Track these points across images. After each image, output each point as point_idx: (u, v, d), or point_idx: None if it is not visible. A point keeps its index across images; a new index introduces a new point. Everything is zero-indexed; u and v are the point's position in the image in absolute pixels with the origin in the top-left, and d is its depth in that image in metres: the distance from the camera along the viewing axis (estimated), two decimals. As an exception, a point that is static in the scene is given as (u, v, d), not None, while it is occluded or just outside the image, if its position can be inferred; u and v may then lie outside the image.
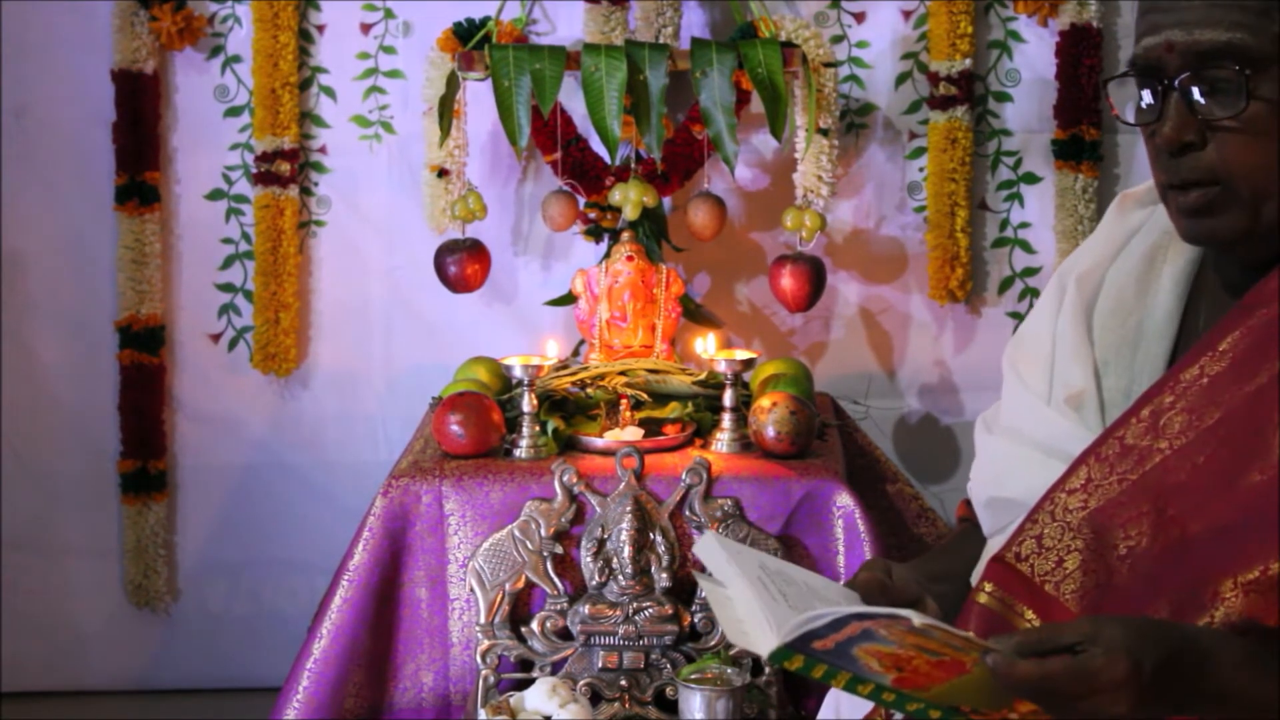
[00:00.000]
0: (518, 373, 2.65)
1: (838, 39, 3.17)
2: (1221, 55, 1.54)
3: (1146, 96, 1.61)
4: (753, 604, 1.45)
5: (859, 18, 3.19)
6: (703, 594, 2.51)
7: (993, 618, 1.61)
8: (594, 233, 3.07)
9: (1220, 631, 1.46)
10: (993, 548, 1.69)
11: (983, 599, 1.62)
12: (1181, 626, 1.45)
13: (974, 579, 1.70)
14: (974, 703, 1.42)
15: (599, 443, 2.66)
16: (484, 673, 2.55)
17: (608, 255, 2.96)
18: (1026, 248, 3.24)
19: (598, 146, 3.02)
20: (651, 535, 2.54)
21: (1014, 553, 1.62)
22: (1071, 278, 1.79)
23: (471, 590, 2.55)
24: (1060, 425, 1.71)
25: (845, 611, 1.37)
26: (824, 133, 2.95)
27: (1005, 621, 1.60)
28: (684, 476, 2.55)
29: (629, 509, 2.53)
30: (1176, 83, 1.57)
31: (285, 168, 3.16)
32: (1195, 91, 1.57)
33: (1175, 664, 1.39)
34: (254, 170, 3.18)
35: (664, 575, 2.53)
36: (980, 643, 1.39)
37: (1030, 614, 1.59)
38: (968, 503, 1.92)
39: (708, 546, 1.58)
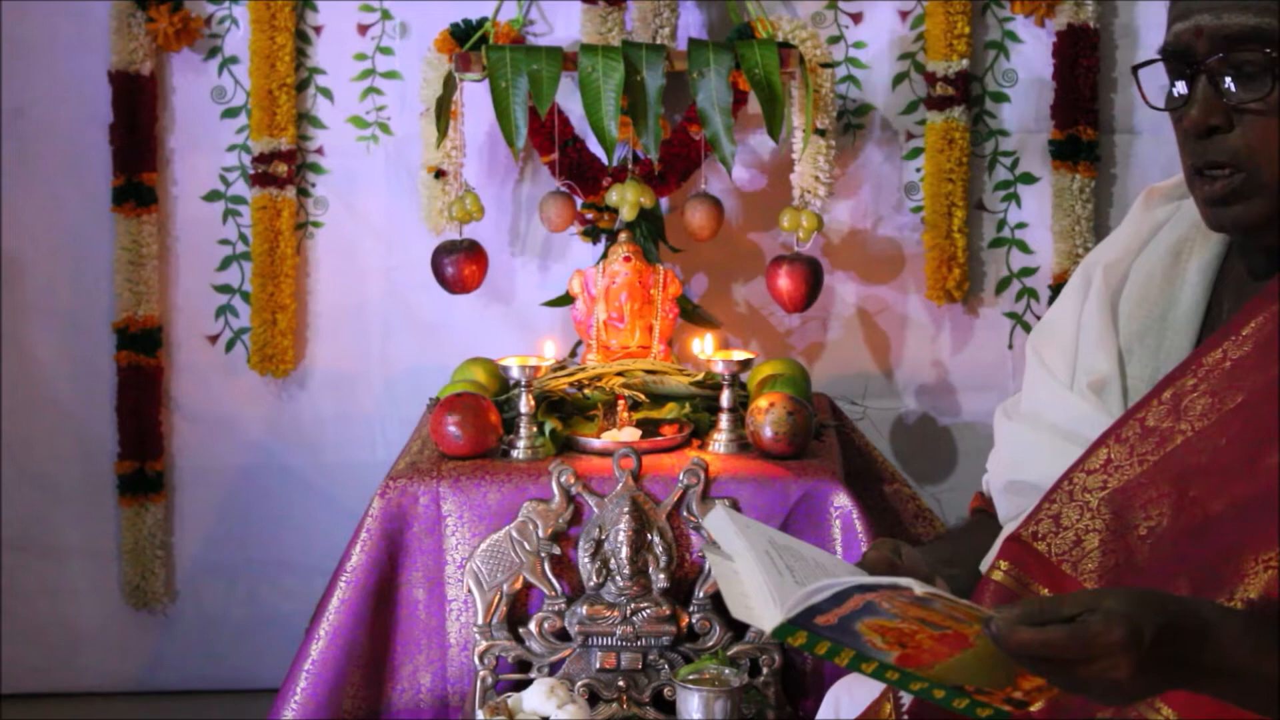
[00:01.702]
0: (515, 373, 2.64)
1: (835, 39, 3.16)
2: (1249, 39, 1.57)
3: (1179, 86, 1.63)
4: (758, 577, 1.45)
5: (856, 18, 3.18)
6: (709, 567, 2.51)
7: (1008, 595, 1.62)
8: (591, 233, 3.06)
9: (1223, 606, 1.46)
10: (1010, 530, 1.69)
11: (998, 576, 1.63)
12: (1183, 598, 1.45)
13: (989, 559, 1.70)
14: (977, 681, 1.42)
15: (596, 443, 2.65)
16: (482, 673, 2.55)
17: (605, 256, 2.96)
18: (1024, 248, 3.23)
19: (595, 147, 3.02)
20: (649, 536, 2.53)
21: (1031, 531, 1.63)
22: (1098, 268, 1.81)
23: (469, 591, 2.54)
24: (1081, 409, 1.73)
25: (848, 583, 1.37)
26: (821, 133, 2.95)
27: (1020, 600, 1.60)
28: (681, 477, 2.55)
29: (626, 510, 2.52)
30: (1204, 66, 1.59)
31: (282, 169, 3.16)
32: (1231, 74, 1.59)
33: (1174, 632, 1.39)
34: (251, 171, 3.17)
35: (662, 576, 2.52)
36: (982, 611, 1.39)
37: (1046, 592, 1.60)
38: (982, 495, 1.93)
39: (717, 520, 1.58)
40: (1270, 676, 1.42)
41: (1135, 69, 1.73)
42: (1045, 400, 1.79)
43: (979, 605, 1.43)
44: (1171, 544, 1.54)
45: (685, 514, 2.54)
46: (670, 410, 2.74)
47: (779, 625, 1.38)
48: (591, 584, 2.53)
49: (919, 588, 1.36)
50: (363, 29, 3.19)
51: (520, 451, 2.63)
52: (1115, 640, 1.36)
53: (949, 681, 1.42)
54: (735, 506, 2.53)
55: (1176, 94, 1.64)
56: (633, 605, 2.52)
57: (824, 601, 1.37)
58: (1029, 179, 3.21)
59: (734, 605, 1.49)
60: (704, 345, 2.85)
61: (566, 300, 3.00)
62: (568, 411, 2.74)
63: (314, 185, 3.23)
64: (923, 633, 1.39)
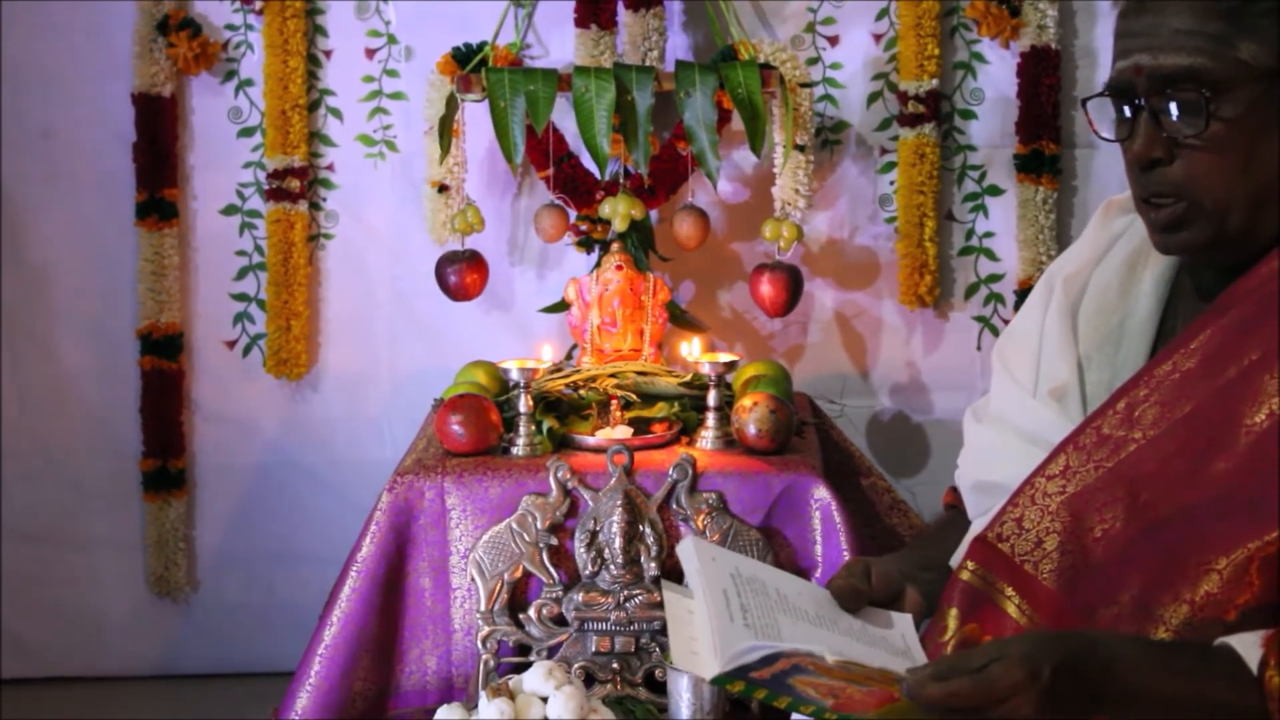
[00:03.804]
0: (514, 375, 2.65)
1: (813, 61, 3.17)
2: (1184, 78, 1.56)
3: (1126, 113, 1.63)
4: (706, 624, 1.45)
5: (833, 41, 3.19)
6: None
7: (975, 594, 1.62)
8: (585, 244, 3.07)
9: (1121, 634, 1.47)
10: (976, 530, 1.70)
11: (966, 576, 1.63)
12: (1085, 634, 1.46)
13: (957, 558, 1.71)
14: None
15: (591, 441, 2.66)
16: (484, 657, 2.56)
17: (598, 265, 2.96)
18: (991, 256, 3.25)
19: (588, 163, 3.02)
20: (641, 527, 2.54)
21: (995, 533, 1.63)
22: (1059, 278, 1.80)
23: (472, 580, 2.55)
24: (1044, 415, 1.72)
25: (771, 649, 1.39)
26: (800, 149, 2.96)
27: (987, 598, 1.61)
28: (671, 472, 2.56)
29: (619, 503, 2.53)
30: (1144, 103, 1.59)
31: (295, 184, 3.17)
32: (1170, 110, 1.58)
33: (1076, 666, 1.40)
34: (266, 187, 3.18)
35: (652, 564, 2.53)
36: (895, 673, 1.40)
37: (1010, 591, 1.60)
38: (954, 490, 1.93)
39: (685, 551, 1.57)
40: (1184, 699, 1.42)
41: (1084, 101, 1.73)
42: (1011, 406, 1.78)
43: (891, 669, 1.43)
44: (1123, 546, 1.54)
45: (675, 507, 2.55)
46: (660, 409, 2.74)
47: (716, 675, 1.39)
48: (587, 572, 2.54)
49: (830, 657, 1.37)
50: (370, 53, 3.20)
51: (520, 449, 2.64)
52: (1015, 681, 1.37)
53: None
54: (721, 500, 2.54)
55: (1121, 123, 1.64)
56: (626, 592, 2.53)
57: (755, 661, 1.38)
58: (995, 191, 3.23)
59: (677, 650, 1.49)
60: (691, 348, 2.85)
61: (562, 306, 3.01)
62: (564, 411, 2.75)
63: (325, 199, 3.24)
64: (851, 688, 1.40)
